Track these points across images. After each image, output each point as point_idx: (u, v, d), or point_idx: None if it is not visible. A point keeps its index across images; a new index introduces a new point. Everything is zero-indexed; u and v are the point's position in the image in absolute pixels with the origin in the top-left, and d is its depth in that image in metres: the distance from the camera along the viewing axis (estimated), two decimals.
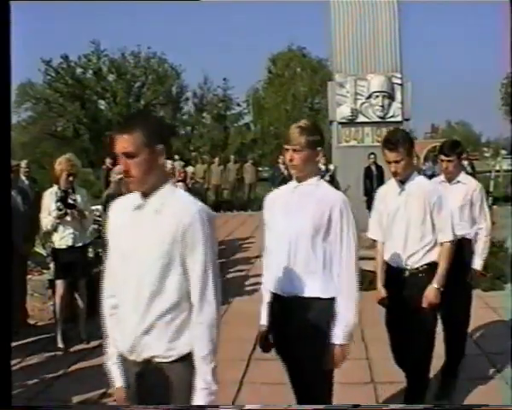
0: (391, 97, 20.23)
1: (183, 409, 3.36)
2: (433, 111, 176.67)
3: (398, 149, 6.16)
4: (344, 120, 20.43)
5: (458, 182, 7.65)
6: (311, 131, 5.07)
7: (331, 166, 20.85)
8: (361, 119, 20.34)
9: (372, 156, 19.05)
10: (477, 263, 7.77)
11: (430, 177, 26.55)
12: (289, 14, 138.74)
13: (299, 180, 5.20)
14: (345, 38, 20.57)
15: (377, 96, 20.13)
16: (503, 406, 6.56)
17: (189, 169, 17.70)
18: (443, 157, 7.52)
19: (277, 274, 5.35)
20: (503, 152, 47.99)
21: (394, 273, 6.69)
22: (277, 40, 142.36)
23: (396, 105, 20.28)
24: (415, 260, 6.44)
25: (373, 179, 18.80)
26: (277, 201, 5.42)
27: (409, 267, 6.48)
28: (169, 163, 15.58)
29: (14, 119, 65.07)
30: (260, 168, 50.24)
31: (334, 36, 20.74)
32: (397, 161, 6.21)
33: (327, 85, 21.88)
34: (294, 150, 5.00)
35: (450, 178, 7.63)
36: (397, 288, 6.58)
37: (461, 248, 7.05)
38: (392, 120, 20.28)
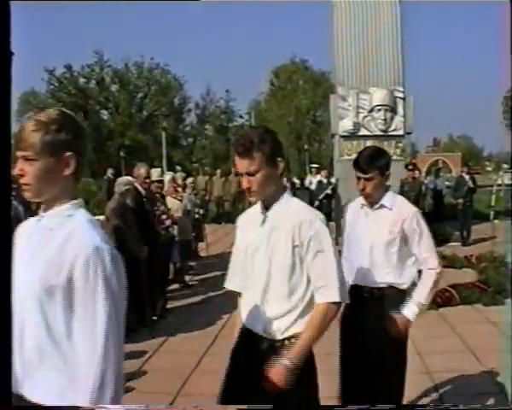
0: (393, 111, 20.27)
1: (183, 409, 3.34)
2: (435, 125, 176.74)
3: (251, 155, 3.87)
4: (346, 134, 20.48)
5: (382, 206, 5.41)
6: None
7: (333, 180, 20.83)
8: (363, 132, 20.38)
9: None
10: (411, 310, 5.32)
11: (433, 191, 26.66)
12: (292, 27, 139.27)
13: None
14: (347, 51, 20.62)
15: (379, 110, 20.16)
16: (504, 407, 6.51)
17: (190, 180, 17.64)
18: (359, 174, 5.35)
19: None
20: (505, 166, 47.91)
21: (248, 342, 4.29)
22: (280, 53, 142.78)
23: (398, 119, 20.32)
24: (277, 328, 4.07)
25: None
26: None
27: (269, 337, 4.12)
28: (169, 174, 15.63)
29: (17, 128, 65.28)
30: None
31: (336, 49, 20.80)
32: (249, 173, 3.90)
33: (329, 98, 21.91)
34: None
35: (371, 202, 5.46)
36: (248, 365, 4.18)
37: (385, 303, 5.37)
38: (394, 133, 20.34)
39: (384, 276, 5.39)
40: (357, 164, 5.43)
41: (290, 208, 4.06)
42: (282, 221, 4.00)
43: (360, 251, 5.55)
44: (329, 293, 3.96)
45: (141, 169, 11.28)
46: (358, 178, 5.43)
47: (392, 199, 5.46)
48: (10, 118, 2.55)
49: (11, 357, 2.69)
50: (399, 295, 5.38)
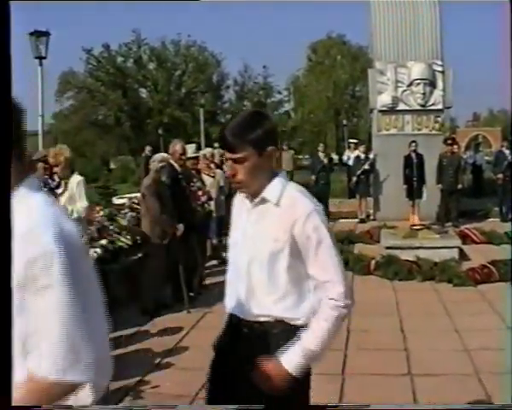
0: (432, 85, 20.09)
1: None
2: (474, 99, 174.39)
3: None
4: (384, 108, 20.36)
5: (264, 200, 3.60)
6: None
7: (371, 155, 20.66)
8: (401, 106, 20.27)
9: (413, 145, 18.76)
10: (292, 358, 3.48)
11: (472, 166, 26.34)
12: (329, 2, 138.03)
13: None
14: (385, 25, 20.43)
15: (418, 84, 20.00)
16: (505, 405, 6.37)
17: None
18: (226, 153, 3.64)
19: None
20: None
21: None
22: (317, 28, 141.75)
23: (437, 93, 20.13)
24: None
25: (413, 168, 18.53)
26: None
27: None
28: (208, 151, 15.58)
29: (57, 107, 65.76)
30: (301, 156, 50.10)
31: (373, 23, 20.63)
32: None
33: (367, 73, 21.73)
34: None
35: (249, 194, 3.68)
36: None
37: (270, 345, 3.63)
38: (433, 107, 20.20)
39: (268, 305, 3.63)
40: (222, 139, 3.60)
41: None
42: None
43: (237, 267, 3.82)
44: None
45: (176, 146, 11.24)
46: (226, 160, 3.74)
47: (279, 190, 3.58)
48: (11, 117, 2.50)
49: (11, 357, 2.66)
50: (292, 335, 3.57)
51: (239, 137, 3.47)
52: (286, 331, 3.58)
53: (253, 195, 3.62)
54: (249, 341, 3.69)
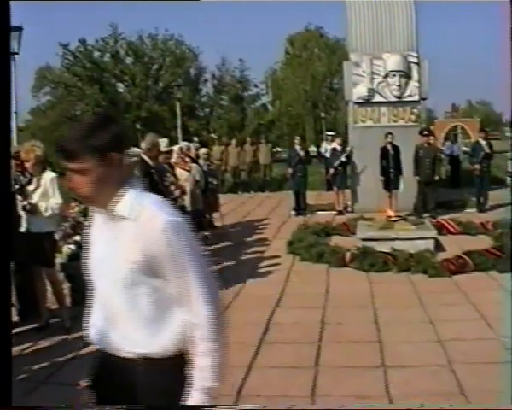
0: (407, 76, 20.16)
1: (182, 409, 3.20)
2: (453, 91, 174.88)
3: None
4: (360, 100, 20.40)
5: (117, 215, 3.11)
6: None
7: (348, 147, 20.68)
8: (377, 98, 20.30)
9: (389, 136, 18.82)
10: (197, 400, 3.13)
11: (450, 157, 26.45)
12: None
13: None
14: (360, 18, 20.46)
15: (394, 76, 20.05)
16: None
17: (203, 151, 17.51)
18: (66, 164, 3.09)
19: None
20: None
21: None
22: (294, 21, 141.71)
23: (413, 84, 20.19)
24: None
25: (389, 159, 18.61)
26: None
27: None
28: (184, 144, 15.53)
29: (34, 103, 65.39)
30: (279, 149, 50.10)
31: (349, 15, 20.62)
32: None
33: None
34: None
35: (100, 208, 3.21)
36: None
37: (136, 386, 3.19)
38: (409, 99, 20.26)
39: (129, 338, 3.16)
40: (60, 147, 3.07)
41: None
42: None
43: (96, 291, 3.33)
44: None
45: (148, 140, 11.17)
46: (67, 170, 3.09)
47: (132, 203, 3.10)
48: (11, 117, 2.45)
49: (11, 357, 2.63)
50: (160, 367, 3.17)
51: (78, 144, 2.99)
52: (153, 365, 3.16)
53: (105, 208, 3.14)
54: (114, 377, 3.21)
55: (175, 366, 3.17)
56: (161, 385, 3.16)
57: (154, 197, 3.21)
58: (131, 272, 3.04)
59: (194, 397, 3.11)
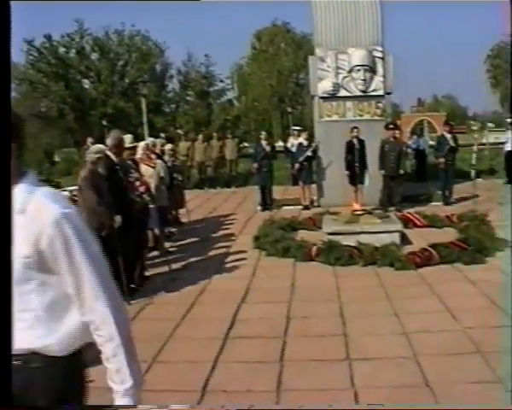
0: (372, 71, 20.16)
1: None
2: (419, 85, 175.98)
3: None
4: (325, 95, 20.36)
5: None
6: None
7: (314, 142, 20.68)
8: (343, 93, 20.29)
9: (355, 130, 18.81)
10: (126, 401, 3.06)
11: (416, 151, 26.60)
12: None
13: None
14: (325, 12, 20.46)
15: (358, 70, 20.06)
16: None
17: (168, 147, 17.38)
18: None
19: None
20: (490, 125, 47.97)
21: None
22: (262, 16, 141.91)
23: (378, 79, 20.21)
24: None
25: (355, 154, 18.60)
26: None
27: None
28: (149, 141, 15.45)
29: None
30: (246, 144, 50.05)
31: (315, 10, 20.59)
32: None
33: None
34: None
35: None
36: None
37: (27, 386, 3.03)
38: (374, 93, 20.28)
39: (22, 334, 2.93)
40: None
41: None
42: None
43: None
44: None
45: (113, 136, 11.10)
46: None
47: (24, 195, 2.95)
48: (11, 116, 2.42)
49: (11, 357, 2.58)
50: (54, 367, 3.04)
51: None
52: (46, 366, 3.02)
53: None
54: (15, 377, 2.78)
55: (71, 366, 3.08)
56: (55, 385, 3.03)
57: (46, 189, 3.05)
58: (23, 268, 2.89)
59: (120, 402, 3.03)
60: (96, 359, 3.11)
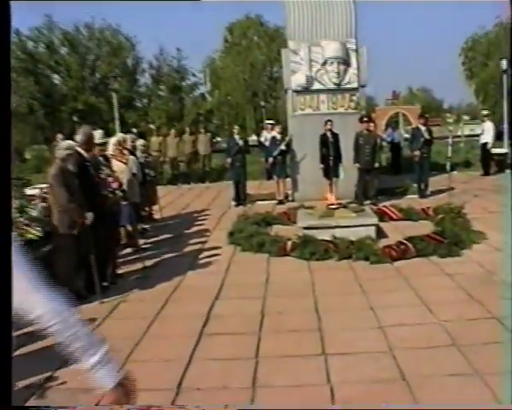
0: (346, 63, 20.18)
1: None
2: (394, 78, 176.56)
3: None
4: (299, 88, 20.36)
5: None
6: None
7: (287, 136, 20.69)
8: (316, 86, 20.32)
9: (328, 124, 18.84)
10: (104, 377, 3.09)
11: (391, 144, 26.71)
12: None
13: None
14: (299, 5, 20.46)
15: (332, 63, 20.09)
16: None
17: (140, 142, 17.30)
18: None
19: None
20: (465, 118, 48.33)
21: None
22: (234, 9, 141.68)
23: (352, 71, 20.26)
24: None
25: (329, 147, 18.66)
26: None
27: None
28: (120, 136, 15.39)
29: None
30: (219, 139, 49.99)
31: (288, 2, 20.59)
32: None
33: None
34: None
35: None
36: None
37: None
38: (348, 86, 20.32)
39: None
40: None
41: None
42: None
43: None
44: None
45: (83, 132, 11.03)
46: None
47: None
48: (11, 117, 2.41)
49: (11, 357, 2.58)
50: None
51: None
52: None
53: None
54: None
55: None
56: None
57: None
58: None
59: (104, 373, 3.03)
60: None
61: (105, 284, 10.93)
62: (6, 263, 2.45)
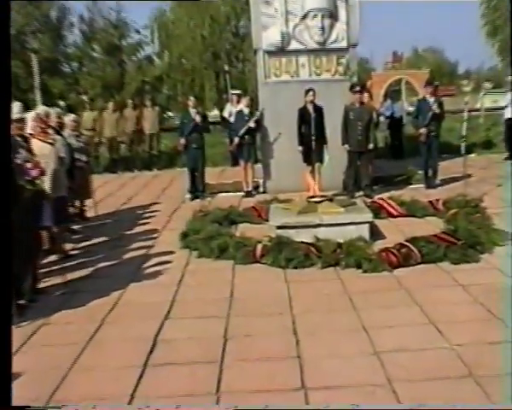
0: (333, 17, 20.14)
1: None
2: (394, 35, 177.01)
3: None
4: (272, 48, 20.30)
5: None
6: None
7: (258, 110, 20.66)
8: (294, 45, 20.29)
9: (310, 94, 18.68)
10: None
11: (390, 120, 26.71)
12: None
13: None
14: None
15: (315, 16, 20.06)
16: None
17: (69, 118, 17.20)
18: None
19: None
20: (487, 85, 48.16)
21: None
22: None
23: (340, 27, 20.28)
24: None
25: (311, 124, 18.47)
26: None
27: None
28: (42, 109, 15.29)
29: None
30: (170, 114, 49.89)
31: None
32: None
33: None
34: None
35: None
36: None
37: None
38: (334, 46, 20.28)
39: None
40: None
41: None
42: None
43: None
44: None
45: None
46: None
47: None
48: (10, 115, 2.46)
49: (11, 357, 2.72)
50: None
51: None
52: None
53: None
54: None
55: None
56: None
57: None
58: None
59: None
60: None
61: (22, 302, 10.87)
62: (6, 263, 2.62)
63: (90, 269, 13.34)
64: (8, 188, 2.41)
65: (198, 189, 20.95)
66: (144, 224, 17.55)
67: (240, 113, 20.94)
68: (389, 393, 7.17)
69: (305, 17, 20.07)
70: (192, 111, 20.90)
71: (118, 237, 16.11)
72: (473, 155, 24.48)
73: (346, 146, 18.90)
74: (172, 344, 9.06)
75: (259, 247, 13.04)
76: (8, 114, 2.25)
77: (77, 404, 6.60)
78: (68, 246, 14.79)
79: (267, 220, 14.90)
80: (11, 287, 2.26)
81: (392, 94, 34.19)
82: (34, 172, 11.44)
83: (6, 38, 2.58)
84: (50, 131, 14.37)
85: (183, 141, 21.10)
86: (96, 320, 10.16)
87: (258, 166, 21.08)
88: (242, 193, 20.39)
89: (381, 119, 28.62)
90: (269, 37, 20.22)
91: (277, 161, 20.38)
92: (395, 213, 16.12)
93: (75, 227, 16.47)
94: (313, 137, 18.22)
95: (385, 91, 36.54)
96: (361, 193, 18.26)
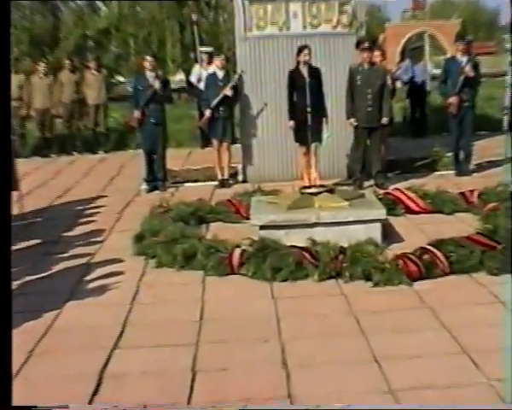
0: None
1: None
2: None
3: None
4: None
5: None
6: None
7: (235, 74, 20.58)
8: None
9: (305, 53, 18.50)
10: None
11: (410, 86, 26.64)
12: None
13: None
14: None
15: None
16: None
17: None
18: None
19: None
20: None
21: None
22: None
23: None
24: None
25: (305, 91, 18.31)
26: None
27: None
28: None
29: None
30: (121, 79, 49.83)
31: None
32: None
33: None
34: None
35: None
36: None
37: None
38: None
39: None
40: None
41: None
42: None
43: None
44: None
45: None
46: None
47: None
48: (10, 115, 2.53)
49: (11, 358, 2.88)
50: None
51: None
52: None
53: None
54: None
55: None
56: None
57: None
58: None
59: None
60: None
61: None
62: (6, 263, 2.74)
63: (15, 283, 13.24)
64: (8, 187, 2.54)
65: (157, 177, 20.91)
66: (86, 223, 17.50)
67: (212, 76, 20.83)
68: None
69: None
70: (149, 75, 20.70)
71: (52, 240, 16.03)
72: None
73: (352, 120, 18.83)
74: (124, 381, 9.01)
75: (237, 253, 12.98)
76: (8, 113, 2.35)
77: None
78: None
79: (248, 218, 14.89)
80: (11, 287, 2.48)
81: (412, 52, 34.09)
82: None
83: (6, 38, 2.69)
84: None
85: (137, 114, 20.80)
86: (22, 352, 10.02)
87: (237, 146, 21.06)
88: (215, 182, 20.34)
89: (398, 84, 28.36)
90: None
91: (261, 141, 20.37)
92: (416, 207, 16.10)
93: None
94: (308, 109, 18.10)
95: (402, 48, 36.57)
96: (371, 182, 18.25)
